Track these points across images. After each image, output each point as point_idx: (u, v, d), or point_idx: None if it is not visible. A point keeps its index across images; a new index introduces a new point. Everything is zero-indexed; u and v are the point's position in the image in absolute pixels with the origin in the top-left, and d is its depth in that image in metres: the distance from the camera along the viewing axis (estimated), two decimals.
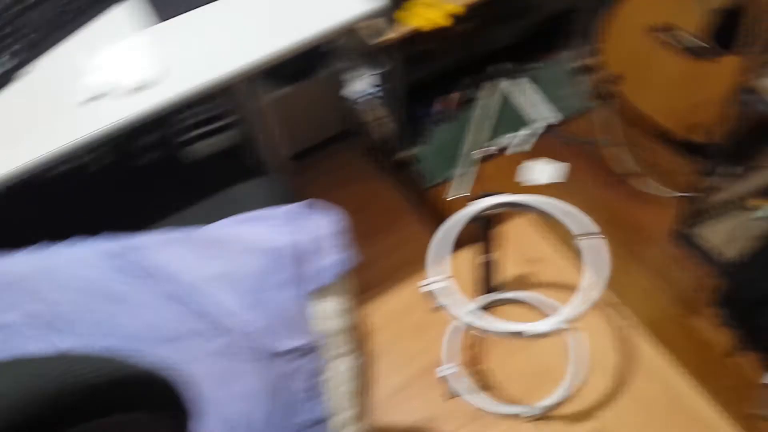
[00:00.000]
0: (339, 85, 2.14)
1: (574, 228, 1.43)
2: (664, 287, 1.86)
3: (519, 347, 1.77)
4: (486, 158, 2.15)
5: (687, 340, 1.76)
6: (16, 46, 1.19)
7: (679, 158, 2.09)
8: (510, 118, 2.19)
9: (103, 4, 1.26)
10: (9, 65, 1.17)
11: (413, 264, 1.91)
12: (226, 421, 0.98)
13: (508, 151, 2.18)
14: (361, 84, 2.11)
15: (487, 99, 2.17)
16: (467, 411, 1.68)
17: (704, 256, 1.86)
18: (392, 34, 1.75)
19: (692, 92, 1.91)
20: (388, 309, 1.87)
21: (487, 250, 1.66)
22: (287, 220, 1.12)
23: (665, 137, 2.08)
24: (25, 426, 0.55)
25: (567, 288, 1.86)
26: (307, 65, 2.04)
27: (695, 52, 1.85)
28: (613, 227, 1.98)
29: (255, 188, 1.30)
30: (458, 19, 1.77)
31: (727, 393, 1.67)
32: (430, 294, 1.39)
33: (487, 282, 1.79)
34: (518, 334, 1.33)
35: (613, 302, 1.83)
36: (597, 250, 1.39)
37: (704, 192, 1.78)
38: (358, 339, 1.80)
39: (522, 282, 1.90)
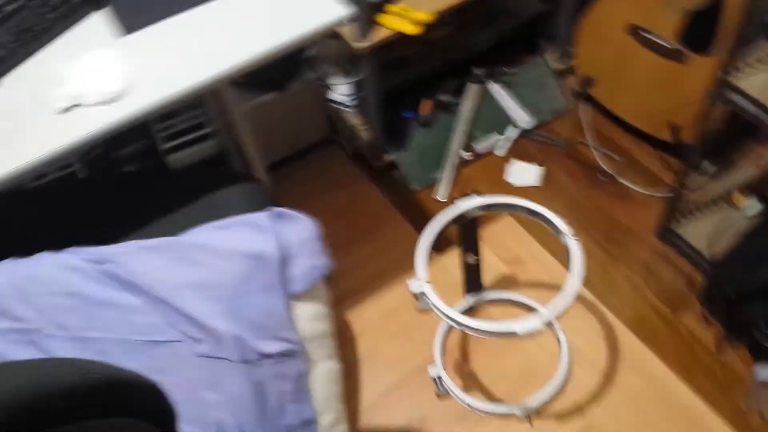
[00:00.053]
0: (320, 92, 2.15)
1: (553, 228, 1.44)
2: (648, 285, 1.87)
3: (506, 347, 1.78)
4: (467, 161, 2.17)
5: (674, 336, 1.78)
6: None
7: (661, 157, 2.11)
8: (489, 121, 2.21)
9: (76, 15, 1.26)
10: None
11: (399, 267, 1.93)
12: (207, 426, 0.98)
13: (489, 154, 2.20)
14: (341, 91, 2.13)
15: (467, 103, 2.19)
16: (457, 411, 1.68)
17: (685, 253, 1.88)
18: (366, 42, 1.76)
19: (670, 92, 1.93)
20: (376, 312, 1.88)
21: (470, 252, 1.67)
22: (265, 225, 1.12)
23: (646, 136, 2.10)
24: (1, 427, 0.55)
25: (550, 287, 1.87)
26: (287, 73, 2.04)
27: (669, 54, 1.87)
28: (598, 226, 2.00)
29: (236, 195, 1.30)
30: (431, 26, 1.79)
31: (711, 387, 1.68)
32: (415, 296, 1.40)
33: (472, 283, 1.80)
34: (506, 335, 1.34)
35: (595, 300, 1.84)
36: (576, 249, 1.40)
37: (685, 190, 1.80)
38: (343, 342, 1.81)
39: (506, 282, 1.91)
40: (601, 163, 2.12)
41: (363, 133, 2.12)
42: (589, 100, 2.20)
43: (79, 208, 1.35)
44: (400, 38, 1.79)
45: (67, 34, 1.25)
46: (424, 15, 1.77)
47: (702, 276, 1.83)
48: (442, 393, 1.70)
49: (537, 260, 1.94)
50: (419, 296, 1.40)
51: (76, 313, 0.99)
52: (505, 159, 2.18)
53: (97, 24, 1.26)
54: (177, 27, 1.25)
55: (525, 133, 2.22)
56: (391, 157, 2.14)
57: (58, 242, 1.12)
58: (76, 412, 0.63)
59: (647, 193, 2.04)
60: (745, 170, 1.92)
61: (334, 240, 2.01)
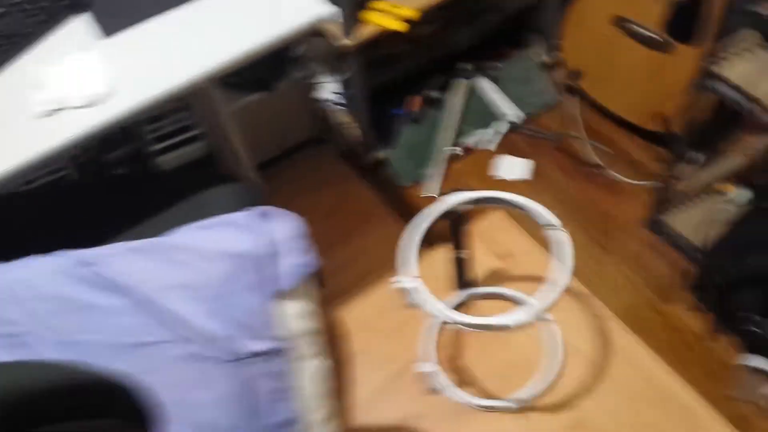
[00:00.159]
0: (307, 91, 2.15)
1: (540, 221, 1.44)
2: (636, 275, 1.88)
3: (496, 342, 1.78)
4: (455, 157, 2.17)
5: (661, 326, 1.78)
6: None
7: (648, 147, 2.11)
8: (477, 116, 2.21)
9: (57, 20, 1.26)
10: None
11: (389, 264, 1.92)
12: (196, 426, 0.98)
13: (478, 149, 2.20)
14: (329, 89, 2.13)
15: (454, 98, 2.19)
16: (447, 407, 1.69)
17: (675, 242, 1.89)
18: (352, 40, 1.76)
19: (656, 82, 1.94)
20: (367, 309, 1.88)
21: (459, 247, 1.67)
22: (249, 224, 1.12)
23: (633, 127, 2.10)
24: None
25: (540, 281, 1.87)
26: (274, 73, 2.04)
27: (654, 44, 1.87)
28: (586, 218, 2.00)
29: (223, 196, 1.30)
30: (416, 23, 1.79)
31: (702, 376, 1.69)
32: (402, 292, 1.40)
33: (461, 278, 1.80)
34: (496, 328, 1.34)
35: (587, 292, 1.85)
36: (563, 240, 1.40)
37: (674, 180, 1.81)
38: (334, 340, 1.82)
39: (496, 277, 1.91)
40: (589, 155, 2.12)
41: (351, 131, 2.12)
42: (577, 92, 2.20)
43: (67, 211, 1.35)
44: (387, 35, 1.80)
45: (48, 39, 1.25)
46: (410, 12, 1.77)
47: (691, 265, 1.83)
48: (434, 389, 1.71)
49: (528, 254, 1.95)
50: (407, 292, 1.40)
51: (62, 316, 0.99)
52: (494, 153, 2.19)
53: (77, 28, 1.26)
54: (158, 28, 1.25)
55: (513, 128, 2.23)
56: (379, 154, 2.14)
57: (46, 246, 1.12)
58: (58, 413, 0.63)
59: (636, 183, 2.05)
60: (733, 159, 1.92)
61: (324, 238, 2.02)
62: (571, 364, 1.73)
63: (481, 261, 1.92)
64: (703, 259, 1.77)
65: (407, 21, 1.76)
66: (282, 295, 1.09)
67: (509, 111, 2.22)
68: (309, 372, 1.10)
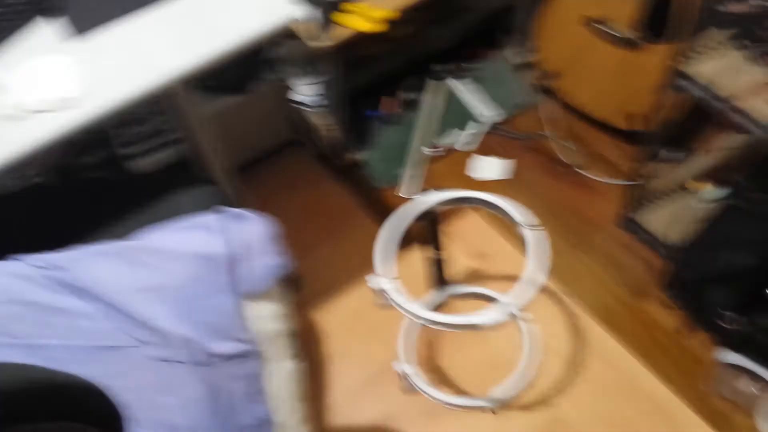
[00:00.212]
0: (283, 93, 2.15)
1: (515, 220, 1.45)
2: (612, 273, 1.89)
3: (473, 341, 1.79)
4: (434, 157, 2.18)
5: (637, 323, 1.80)
6: None
7: (621, 147, 2.13)
8: (455, 117, 2.22)
9: (24, 21, 1.25)
10: None
11: (366, 265, 1.92)
12: (170, 428, 0.98)
13: (453, 150, 2.21)
14: (304, 92, 2.12)
15: (432, 99, 2.19)
16: (425, 406, 1.69)
17: (650, 240, 1.90)
18: (327, 42, 1.76)
19: (628, 82, 1.95)
20: (343, 310, 1.88)
21: (436, 247, 1.67)
22: (218, 226, 1.11)
23: (606, 127, 2.12)
24: None
25: (516, 279, 1.88)
26: (248, 76, 2.04)
27: (628, 43, 1.89)
28: (561, 217, 2.02)
29: (195, 198, 1.29)
30: (394, 23, 1.79)
31: (677, 373, 1.70)
32: (377, 291, 1.40)
33: (439, 278, 1.80)
34: (469, 327, 1.35)
35: (563, 290, 1.86)
36: (539, 239, 1.41)
37: (646, 178, 1.82)
38: (310, 342, 1.82)
39: (474, 276, 1.92)
40: (563, 155, 2.14)
41: (328, 133, 2.12)
42: (551, 93, 2.22)
43: (37, 215, 1.34)
44: (362, 37, 1.80)
45: (16, 41, 1.24)
46: (384, 13, 1.77)
47: (665, 263, 1.85)
48: (410, 389, 1.71)
49: (502, 253, 1.96)
50: (379, 292, 1.40)
51: (26, 321, 0.98)
52: (469, 154, 2.19)
53: (45, 29, 1.25)
54: (129, 31, 1.24)
55: (489, 128, 2.24)
56: (356, 156, 2.14)
57: (14, 250, 1.11)
58: (18, 415, 0.63)
59: (610, 182, 2.06)
60: (705, 157, 1.94)
61: (302, 240, 2.03)
62: (547, 362, 1.74)
63: (458, 261, 1.93)
64: (675, 256, 1.78)
65: (382, 23, 1.76)
66: (253, 296, 1.09)
67: (485, 112, 2.23)
68: (282, 374, 1.09)
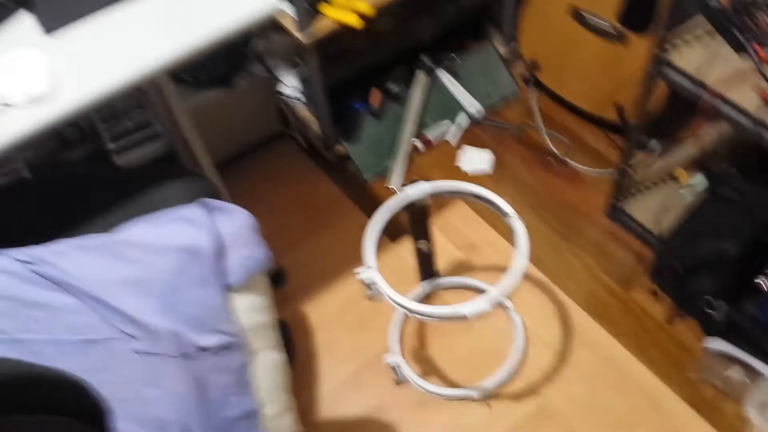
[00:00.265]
0: (269, 86, 2.14)
1: (498, 210, 1.45)
2: (600, 262, 1.90)
3: (463, 332, 1.79)
4: (419, 150, 2.18)
5: (625, 312, 1.81)
6: None
7: (608, 137, 2.14)
8: (440, 109, 2.22)
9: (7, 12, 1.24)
10: None
11: (354, 257, 1.93)
12: (148, 422, 0.98)
13: (441, 142, 2.21)
14: (290, 84, 2.12)
15: (416, 92, 2.19)
16: (413, 397, 1.70)
17: (634, 230, 1.91)
18: (310, 35, 1.75)
19: (613, 73, 1.96)
20: (333, 303, 1.88)
21: (424, 238, 1.68)
22: (198, 219, 1.11)
23: (593, 118, 2.13)
24: None
25: (504, 270, 1.89)
26: (233, 68, 2.03)
27: (611, 35, 1.90)
28: (549, 208, 2.02)
29: (178, 191, 1.28)
30: (378, 14, 1.79)
31: (663, 360, 1.71)
32: (366, 283, 1.41)
33: (428, 269, 1.81)
34: (454, 317, 1.35)
35: (548, 280, 1.87)
36: (520, 229, 1.42)
37: (633, 168, 1.83)
38: (300, 335, 1.82)
39: (463, 267, 1.92)
40: (550, 146, 2.14)
41: (314, 125, 2.12)
42: (537, 84, 2.22)
43: (22, 209, 1.33)
44: (346, 29, 1.79)
45: None
46: (368, 5, 1.77)
47: (650, 252, 1.86)
48: (400, 380, 1.72)
49: (490, 245, 1.96)
50: (368, 284, 1.41)
51: (8, 315, 0.98)
52: (456, 146, 2.20)
53: (19, 25, 1.23)
54: (104, 23, 1.23)
55: (475, 120, 2.24)
56: (343, 148, 2.14)
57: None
58: (16, 405, 0.63)
59: (595, 173, 2.07)
60: (689, 146, 1.95)
61: (289, 234, 2.03)
62: (534, 352, 1.75)
63: (445, 252, 1.93)
64: (661, 245, 1.79)
65: (366, 14, 1.76)
66: (234, 289, 1.09)
67: (470, 103, 2.23)
68: (263, 365, 1.09)
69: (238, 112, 2.09)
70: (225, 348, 1.04)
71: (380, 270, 1.40)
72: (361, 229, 1.46)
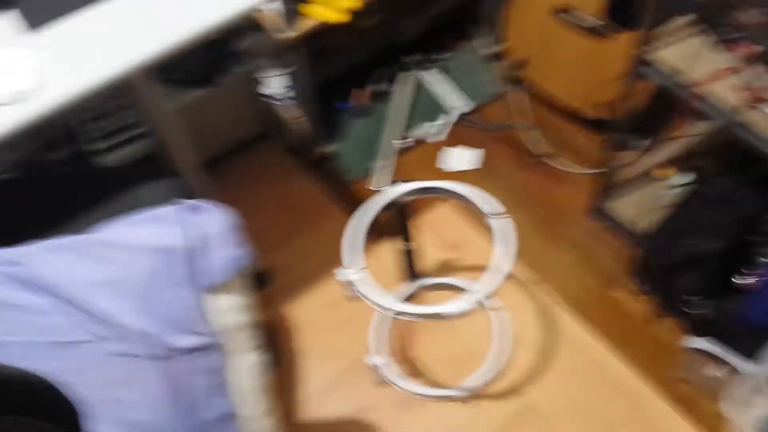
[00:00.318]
0: (252, 86, 2.13)
1: (482, 209, 1.45)
2: (583, 262, 1.90)
3: (445, 332, 1.79)
4: (404, 149, 2.18)
5: (607, 311, 1.81)
6: None
7: (590, 136, 2.14)
8: (425, 108, 2.22)
9: None
10: None
11: (338, 258, 1.93)
12: (127, 425, 0.97)
13: (426, 141, 2.21)
14: (274, 84, 2.11)
15: (402, 91, 2.19)
16: (398, 397, 1.69)
17: (618, 228, 1.91)
18: (293, 33, 1.74)
19: (595, 71, 1.96)
20: (316, 304, 1.87)
21: (406, 238, 1.67)
22: (177, 218, 1.10)
23: (575, 116, 2.13)
24: None
25: (486, 269, 1.89)
26: (216, 68, 2.02)
27: (593, 32, 1.90)
28: (531, 207, 2.02)
29: (159, 191, 1.28)
30: (358, 14, 1.78)
31: (647, 359, 1.72)
32: (346, 283, 1.40)
33: (410, 269, 1.80)
34: (437, 316, 1.35)
35: (534, 279, 1.87)
36: (506, 228, 1.42)
37: (614, 167, 1.83)
38: (283, 336, 1.81)
39: (445, 267, 1.92)
40: (532, 145, 2.14)
41: (298, 125, 2.11)
42: (519, 83, 2.22)
43: (1, 210, 1.31)
44: (329, 28, 1.79)
45: None
46: (349, 3, 1.77)
47: (634, 250, 1.86)
48: (383, 381, 1.71)
49: (474, 244, 1.96)
50: (347, 284, 1.40)
51: None
52: (440, 146, 2.19)
53: (3, 19, 1.22)
54: (86, 21, 1.22)
55: (459, 119, 2.24)
56: (327, 148, 2.14)
57: None
58: None
59: (579, 172, 2.07)
60: (669, 144, 1.96)
61: (272, 234, 2.02)
62: (519, 351, 1.75)
63: (429, 252, 1.93)
64: (642, 243, 1.80)
65: (348, 12, 1.75)
66: (214, 289, 1.08)
67: (456, 103, 2.23)
68: (245, 366, 1.09)
69: (221, 112, 2.08)
70: (201, 349, 1.03)
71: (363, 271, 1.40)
72: (342, 230, 1.45)
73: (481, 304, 1.40)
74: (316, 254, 1.97)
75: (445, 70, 2.25)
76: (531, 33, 2.08)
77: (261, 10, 1.28)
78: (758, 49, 1.38)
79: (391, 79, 2.21)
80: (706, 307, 1.64)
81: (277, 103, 2.13)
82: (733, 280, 1.68)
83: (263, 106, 2.18)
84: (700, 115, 1.50)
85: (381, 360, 1.72)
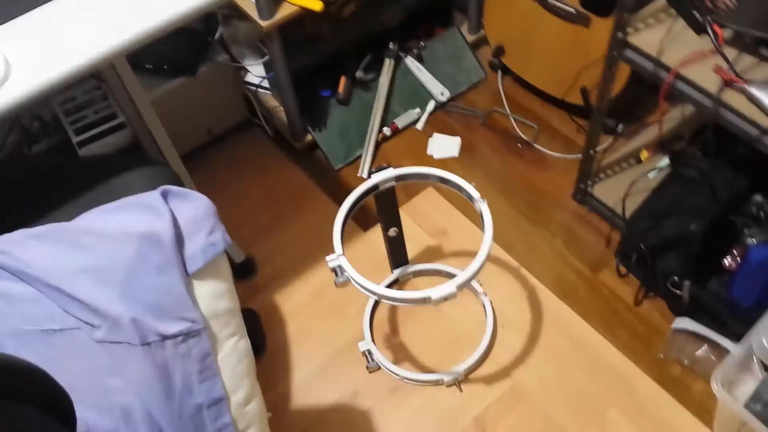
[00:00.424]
0: (234, 74, 2.13)
1: (470, 194, 1.46)
2: (566, 246, 1.92)
3: (434, 317, 1.80)
4: (388, 137, 2.18)
5: (593, 294, 1.82)
6: None
7: (574, 121, 2.15)
8: (406, 96, 2.22)
9: None
10: None
11: (325, 246, 1.93)
12: (118, 411, 0.97)
13: (410, 129, 2.21)
14: (256, 72, 2.11)
15: (384, 79, 2.19)
16: (388, 383, 1.70)
17: (603, 212, 1.93)
18: (271, 20, 1.74)
19: (578, 56, 1.97)
20: (305, 292, 1.88)
21: (391, 225, 1.68)
22: (156, 205, 1.09)
23: (559, 102, 2.14)
24: None
25: (474, 255, 1.90)
26: (197, 56, 2.01)
27: (574, 18, 1.90)
28: (518, 192, 2.03)
29: (139, 180, 1.27)
30: (337, 1, 1.77)
31: (635, 341, 1.73)
32: (335, 270, 1.41)
33: (397, 256, 1.81)
34: (420, 301, 1.35)
35: (518, 264, 1.88)
36: (487, 212, 1.42)
37: (596, 152, 1.84)
38: (272, 324, 1.81)
39: (434, 254, 1.93)
40: (517, 130, 2.15)
41: (281, 114, 2.11)
42: (504, 69, 2.23)
43: None
44: (309, 14, 1.78)
45: None
46: None
47: (618, 234, 1.88)
48: (373, 367, 1.72)
49: (461, 230, 1.97)
50: (337, 270, 1.41)
51: None
52: (425, 132, 2.20)
53: None
54: (56, 8, 1.21)
55: (443, 106, 2.24)
56: (310, 137, 2.13)
57: None
58: None
59: (563, 157, 2.09)
60: (653, 127, 1.97)
61: (258, 223, 2.02)
62: (505, 335, 1.76)
63: (416, 239, 1.93)
64: (626, 226, 1.81)
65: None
66: (198, 274, 1.08)
67: (438, 90, 2.23)
68: (227, 352, 1.09)
69: (204, 100, 2.07)
70: (188, 335, 1.03)
71: (353, 259, 1.40)
72: (330, 217, 1.45)
73: (467, 289, 1.42)
74: (303, 242, 1.97)
75: (428, 57, 2.25)
76: (511, 19, 2.08)
77: None
78: (729, 31, 1.39)
79: (375, 67, 2.20)
80: (691, 288, 1.66)
81: (261, 91, 2.13)
82: (717, 260, 1.70)
83: (246, 94, 2.17)
84: (679, 98, 1.51)
85: (368, 346, 1.72)
